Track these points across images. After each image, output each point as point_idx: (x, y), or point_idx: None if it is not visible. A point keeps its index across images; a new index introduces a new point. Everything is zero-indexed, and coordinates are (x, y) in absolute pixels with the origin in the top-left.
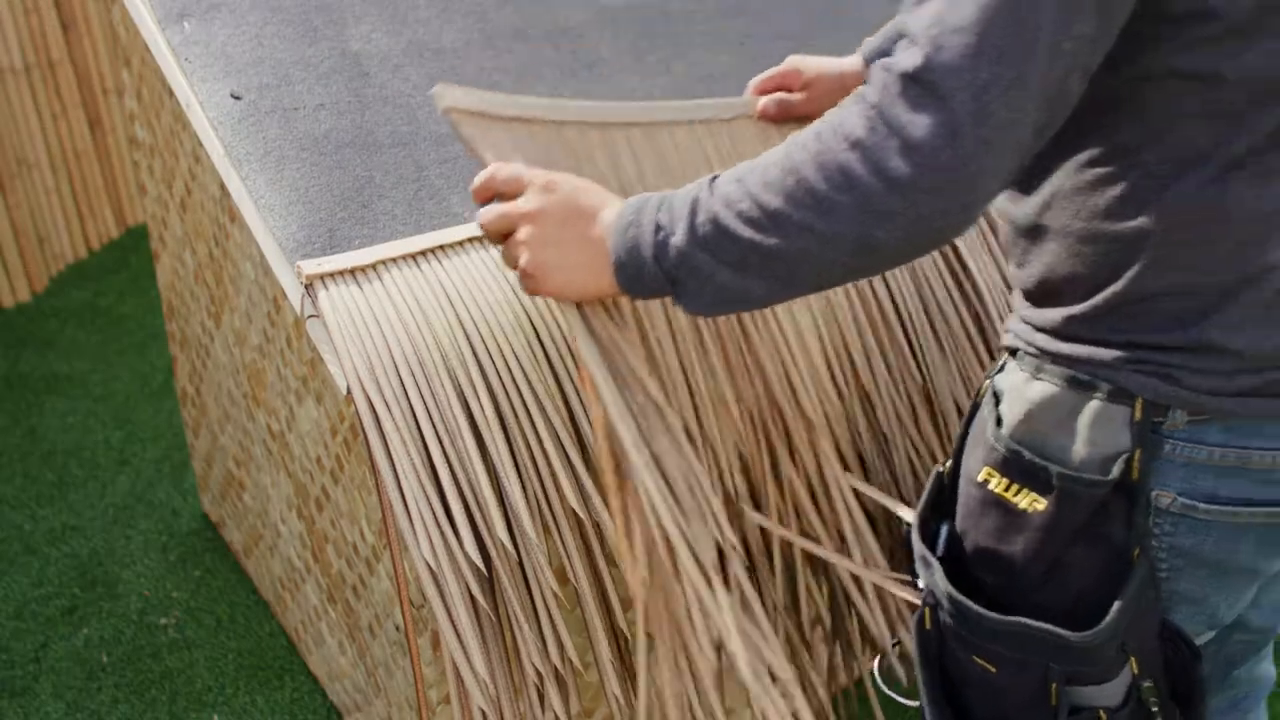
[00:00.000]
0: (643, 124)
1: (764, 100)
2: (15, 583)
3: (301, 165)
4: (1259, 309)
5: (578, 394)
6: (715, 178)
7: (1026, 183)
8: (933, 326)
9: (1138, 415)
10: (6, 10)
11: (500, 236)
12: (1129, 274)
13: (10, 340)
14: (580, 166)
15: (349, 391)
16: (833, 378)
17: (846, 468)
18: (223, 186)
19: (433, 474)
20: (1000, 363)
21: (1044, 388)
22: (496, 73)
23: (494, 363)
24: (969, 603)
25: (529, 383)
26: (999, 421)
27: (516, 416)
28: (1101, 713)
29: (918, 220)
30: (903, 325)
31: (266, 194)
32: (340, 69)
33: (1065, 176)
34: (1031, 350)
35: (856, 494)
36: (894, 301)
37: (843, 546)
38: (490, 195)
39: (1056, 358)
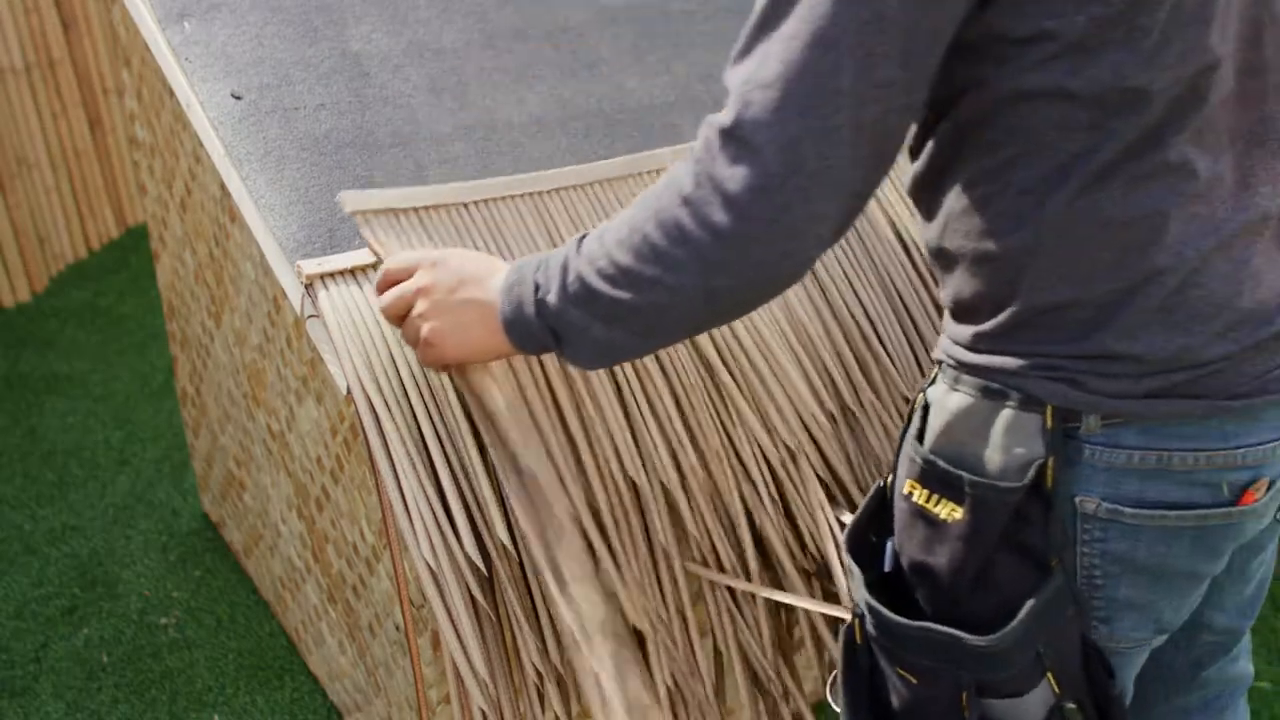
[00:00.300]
0: (537, 193)
1: None
2: (15, 582)
3: (302, 165)
4: (1153, 314)
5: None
6: (584, 236)
7: (927, 209)
8: (908, 339)
9: (1049, 422)
10: (7, 10)
11: (399, 318)
12: (1022, 290)
13: (10, 340)
14: (488, 241)
15: (349, 391)
16: (819, 400)
17: (831, 496)
18: (223, 186)
19: (433, 474)
20: (932, 375)
21: (960, 398)
22: (496, 73)
23: None
24: (883, 609)
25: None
26: (920, 434)
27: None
28: None
29: (752, 268)
30: (881, 341)
31: (267, 194)
32: (340, 69)
33: (954, 199)
34: (951, 362)
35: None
36: (869, 318)
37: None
38: (389, 285)
39: (971, 369)
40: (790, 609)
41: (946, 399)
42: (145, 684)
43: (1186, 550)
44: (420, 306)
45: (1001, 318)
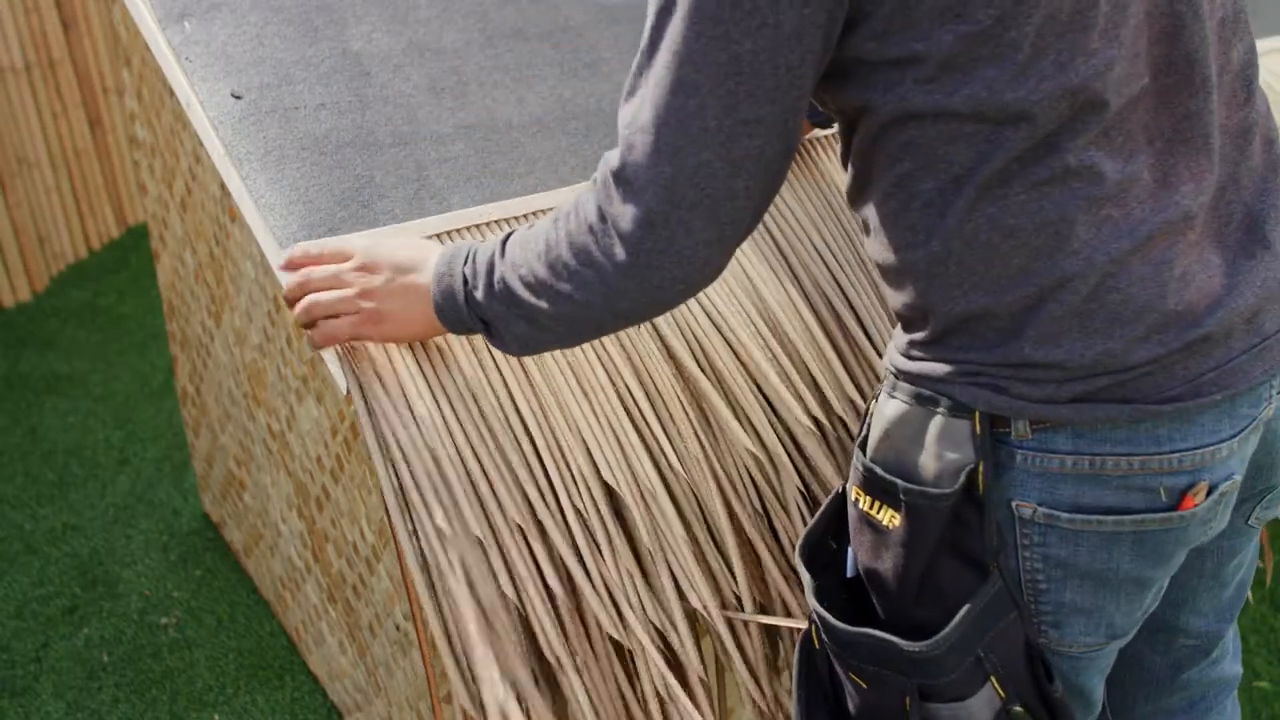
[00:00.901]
0: (473, 226)
1: None
2: (16, 582)
3: (302, 165)
4: (1069, 320)
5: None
6: (509, 236)
7: (861, 222)
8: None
9: (977, 428)
10: (7, 10)
11: (315, 293)
12: (940, 300)
13: (11, 340)
14: None
15: (349, 391)
16: (802, 405)
17: (812, 501)
18: (223, 186)
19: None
20: (881, 385)
21: (896, 405)
22: (496, 72)
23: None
24: (828, 616)
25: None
26: (865, 442)
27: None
28: None
29: (651, 290)
30: (870, 339)
31: (267, 193)
32: (341, 69)
33: (874, 213)
34: (890, 370)
35: None
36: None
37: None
38: (306, 264)
39: (906, 376)
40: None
41: (885, 406)
42: (146, 684)
43: (1128, 555)
44: (361, 286)
45: (929, 326)
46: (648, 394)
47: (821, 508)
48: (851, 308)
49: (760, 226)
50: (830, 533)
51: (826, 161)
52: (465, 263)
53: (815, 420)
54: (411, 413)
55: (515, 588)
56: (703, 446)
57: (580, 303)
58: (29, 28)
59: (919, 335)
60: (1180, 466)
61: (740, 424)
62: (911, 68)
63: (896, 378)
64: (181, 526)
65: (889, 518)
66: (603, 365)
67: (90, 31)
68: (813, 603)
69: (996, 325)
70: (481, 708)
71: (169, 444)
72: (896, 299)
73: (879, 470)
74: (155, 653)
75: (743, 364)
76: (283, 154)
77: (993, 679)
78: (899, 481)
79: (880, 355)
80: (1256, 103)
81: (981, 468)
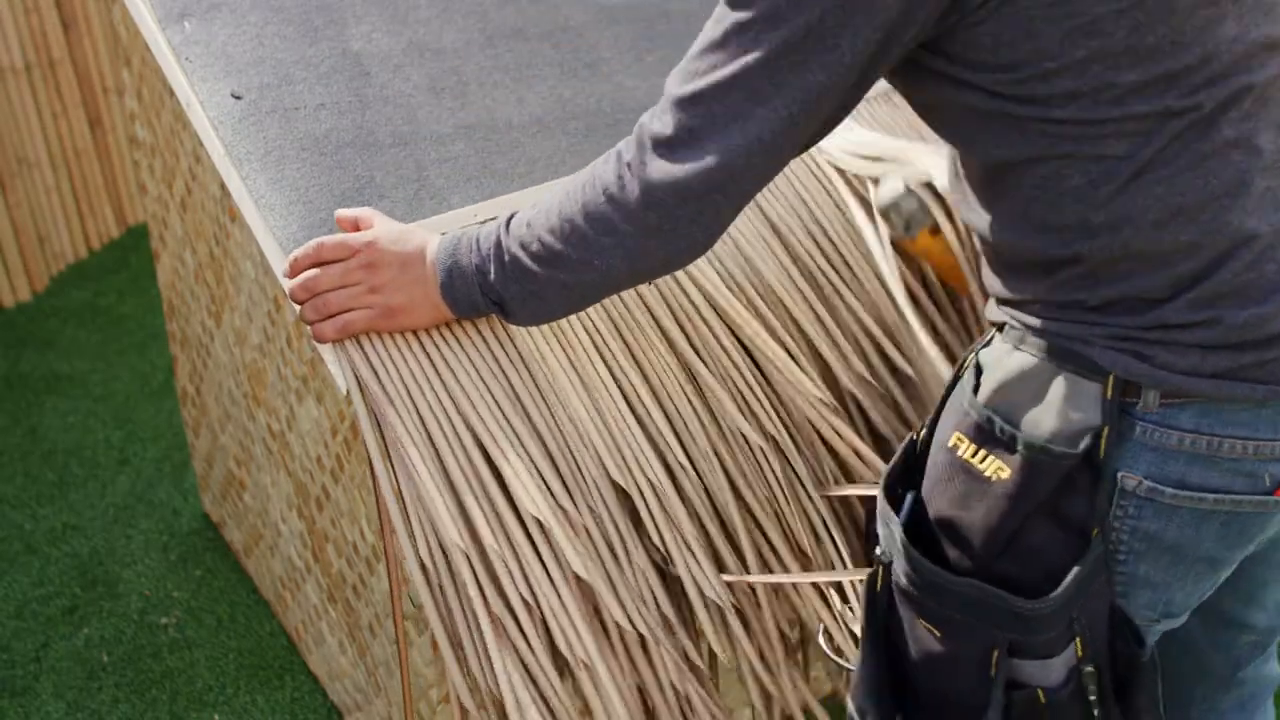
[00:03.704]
0: (464, 228)
1: None
2: (16, 582)
3: (302, 165)
4: (1227, 289)
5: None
6: (510, 219)
7: (982, 202)
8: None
9: (1109, 393)
10: (7, 9)
11: (326, 291)
12: (1096, 279)
13: (10, 340)
14: None
15: (349, 391)
16: (815, 386)
17: (823, 483)
18: (223, 186)
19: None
20: (987, 336)
21: (1023, 359)
22: (496, 72)
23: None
24: (924, 560)
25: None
26: (976, 389)
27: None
28: (1040, 692)
29: (674, 250)
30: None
31: (267, 193)
32: (341, 69)
33: (1008, 202)
34: (1015, 325)
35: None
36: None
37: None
38: (314, 264)
39: (1037, 331)
40: (792, 608)
41: (1007, 359)
42: (146, 683)
43: (1214, 535)
44: (369, 283)
45: (1079, 294)
46: (652, 388)
47: (896, 453)
48: (845, 282)
49: (752, 202)
50: (901, 481)
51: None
52: (472, 250)
53: (832, 396)
54: (414, 412)
55: (521, 587)
56: (709, 437)
57: (599, 269)
58: (29, 28)
59: (1062, 297)
60: None
61: (743, 413)
62: (1052, 93)
63: (1024, 331)
64: (181, 526)
65: (995, 469)
66: (605, 361)
67: (90, 31)
68: (902, 539)
69: (1154, 296)
70: (487, 708)
71: (169, 444)
72: (1033, 278)
73: (998, 420)
74: (155, 653)
75: (746, 349)
76: (283, 154)
77: (1078, 639)
78: (1020, 435)
79: (875, 327)
80: None
81: (1106, 433)
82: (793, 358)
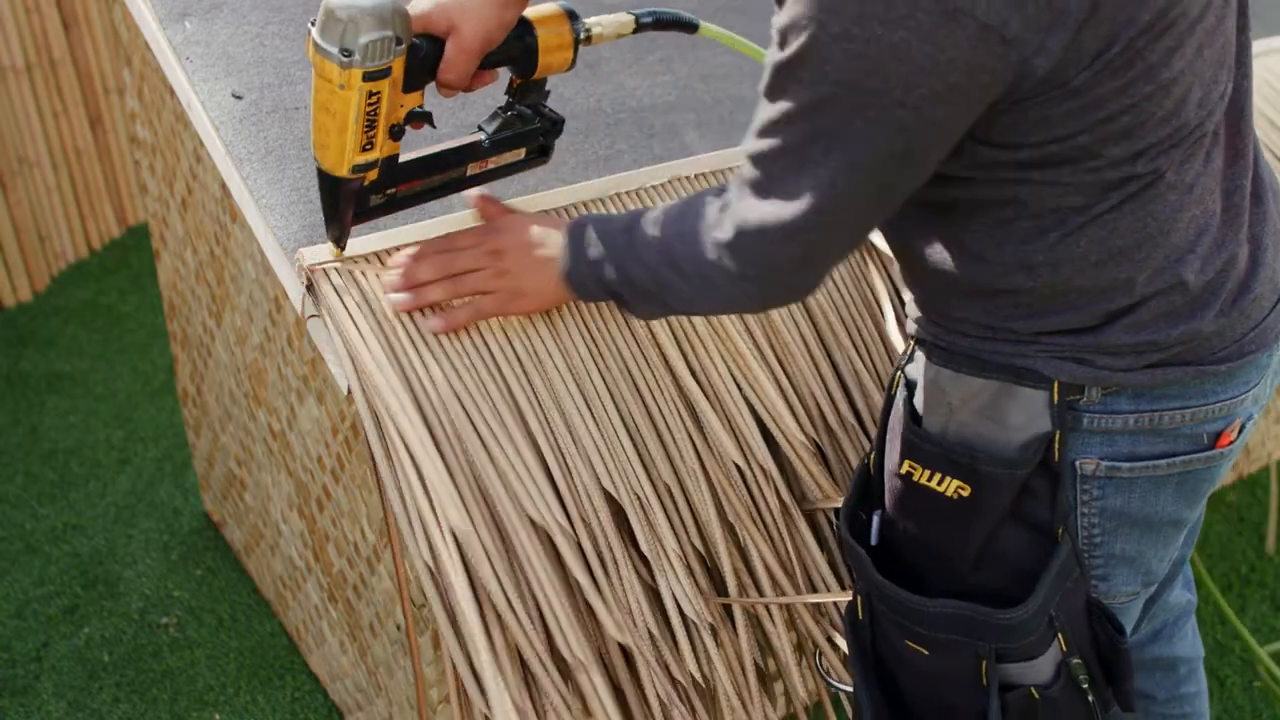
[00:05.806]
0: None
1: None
2: (17, 582)
3: (303, 165)
4: (1161, 311)
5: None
6: (639, 219)
7: (918, 241)
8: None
9: (1055, 398)
10: (8, 9)
11: (462, 273)
12: (1032, 313)
13: (11, 339)
14: None
15: (349, 391)
16: (794, 417)
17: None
18: (224, 186)
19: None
20: (908, 352)
21: (963, 380)
22: None
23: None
24: (898, 590)
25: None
26: (915, 415)
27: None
28: (1033, 690)
29: (766, 303)
30: (857, 349)
31: (267, 193)
32: None
33: (947, 241)
34: (941, 344)
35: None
36: (845, 328)
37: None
38: (447, 249)
39: (975, 351)
40: (764, 634)
41: (944, 380)
42: (146, 683)
43: (1172, 496)
44: (497, 267)
45: (1014, 324)
46: (645, 406)
47: (851, 481)
48: (843, 321)
49: None
50: (861, 505)
51: None
52: (595, 243)
53: (812, 432)
54: (414, 412)
55: (521, 588)
56: (699, 456)
57: (703, 305)
58: (29, 27)
59: (996, 323)
60: (1220, 414)
61: (733, 437)
62: (1036, 158)
63: (954, 350)
64: (182, 526)
65: (954, 489)
66: (601, 375)
67: (91, 31)
68: (874, 576)
69: (1088, 325)
70: (487, 708)
71: (170, 443)
72: (967, 302)
73: (946, 443)
74: (156, 652)
75: (736, 379)
76: (283, 154)
77: (1059, 635)
78: (972, 453)
79: (867, 375)
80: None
81: (1058, 436)
82: (782, 393)
